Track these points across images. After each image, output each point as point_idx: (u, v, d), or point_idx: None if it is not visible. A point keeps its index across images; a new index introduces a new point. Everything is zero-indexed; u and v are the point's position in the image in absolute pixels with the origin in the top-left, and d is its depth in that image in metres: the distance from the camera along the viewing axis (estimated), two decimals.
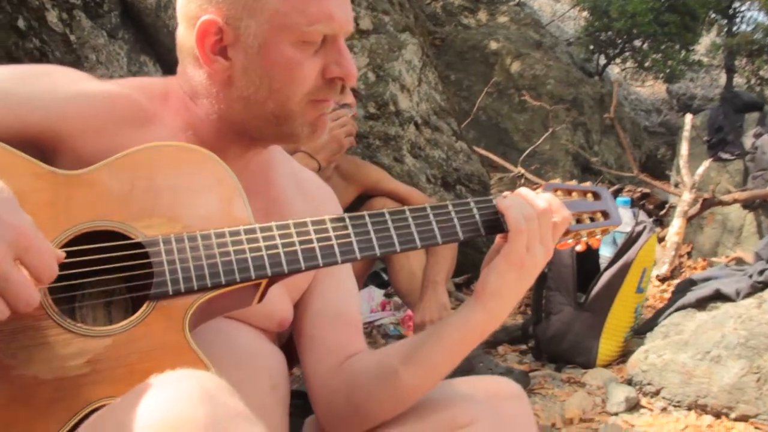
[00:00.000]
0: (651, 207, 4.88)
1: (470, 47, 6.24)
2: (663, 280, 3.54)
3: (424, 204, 1.01)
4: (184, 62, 1.02)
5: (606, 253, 2.42)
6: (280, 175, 1.16)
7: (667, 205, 4.55)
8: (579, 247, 1.14)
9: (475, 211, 1.02)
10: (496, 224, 1.01)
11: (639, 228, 2.35)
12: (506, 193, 1.06)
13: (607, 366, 2.39)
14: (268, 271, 0.90)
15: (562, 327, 2.38)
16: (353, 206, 2.41)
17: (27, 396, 0.79)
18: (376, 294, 2.98)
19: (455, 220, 1.01)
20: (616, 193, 5.07)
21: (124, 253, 0.87)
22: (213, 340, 1.02)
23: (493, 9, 9.02)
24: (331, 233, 0.94)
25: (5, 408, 0.78)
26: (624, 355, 2.38)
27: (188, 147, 0.94)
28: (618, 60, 9.52)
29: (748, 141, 4.35)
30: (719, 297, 2.23)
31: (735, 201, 3.90)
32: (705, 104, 9.61)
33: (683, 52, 9.07)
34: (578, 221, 1.10)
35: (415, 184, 3.45)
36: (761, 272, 2.20)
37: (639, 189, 4.90)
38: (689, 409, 2.02)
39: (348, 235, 0.95)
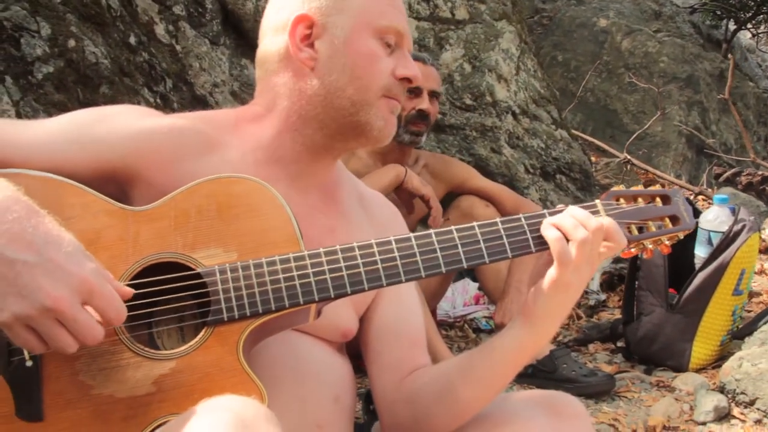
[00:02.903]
0: None
1: (578, 25, 6.04)
2: None
3: (472, 223, 1.03)
4: (267, 73, 1.14)
5: (701, 253, 2.32)
6: (345, 193, 1.22)
7: None
8: (644, 255, 1.12)
9: (525, 227, 1.03)
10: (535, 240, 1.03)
11: (737, 227, 2.23)
12: (560, 206, 1.07)
13: (701, 370, 2.30)
14: (315, 297, 0.97)
15: (653, 328, 2.31)
16: (442, 204, 2.43)
17: (106, 413, 0.91)
18: (471, 287, 3.00)
19: (504, 238, 1.03)
20: (733, 177, 4.79)
21: (186, 283, 0.96)
22: (277, 355, 1.09)
23: None
24: (377, 257, 1.00)
25: (89, 423, 0.90)
26: (721, 359, 2.28)
27: (242, 178, 1.02)
28: (749, 25, 8.85)
29: None
30: None
31: None
32: None
33: None
34: (642, 229, 1.08)
35: (513, 175, 3.43)
36: None
37: (759, 172, 4.61)
38: None
39: (394, 258, 1.00)
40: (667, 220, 1.09)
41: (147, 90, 2.51)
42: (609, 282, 3.25)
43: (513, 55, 3.61)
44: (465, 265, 1.00)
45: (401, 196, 2.19)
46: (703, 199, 4.25)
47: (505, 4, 3.81)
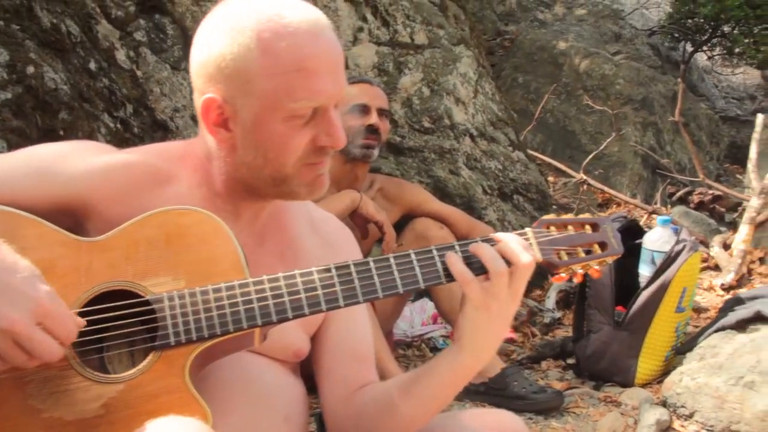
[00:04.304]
0: (723, 210, 4.73)
1: (538, 48, 6.20)
2: (728, 289, 3.44)
3: (408, 251, 1.08)
4: (201, 124, 1.14)
5: (645, 272, 2.41)
6: (294, 218, 1.26)
7: (740, 208, 4.39)
8: (575, 279, 1.18)
9: (437, 258, 1.07)
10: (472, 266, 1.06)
11: (678, 247, 2.33)
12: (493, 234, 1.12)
13: (646, 385, 2.39)
14: (258, 322, 1.03)
15: (601, 346, 2.40)
16: (397, 227, 2.50)
17: None
18: (429, 306, 3.06)
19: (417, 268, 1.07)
20: (686, 196, 4.95)
21: (136, 310, 1.01)
22: (229, 377, 1.14)
23: (570, 2, 8.87)
24: (318, 284, 1.05)
25: None
26: (666, 374, 2.37)
27: (190, 210, 1.07)
28: (705, 47, 9.14)
29: None
30: (760, 319, 2.20)
31: None
32: None
33: None
34: (572, 255, 1.14)
35: (471, 197, 3.51)
36: None
37: (711, 191, 4.76)
38: None
39: (333, 285, 1.05)
40: (596, 246, 1.15)
41: (107, 115, 2.54)
42: (565, 300, 3.33)
43: (471, 79, 3.71)
44: (401, 291, 1.06)
45: (356, 221, 2.26)
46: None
47: (463, 29, 3.92)
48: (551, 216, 1.19)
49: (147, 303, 1.01)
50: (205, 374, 1.08)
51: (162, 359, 1.00)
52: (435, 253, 1.08)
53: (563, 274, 1.16)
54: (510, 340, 2.85)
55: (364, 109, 2.41)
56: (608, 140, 4.65)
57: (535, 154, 4.50)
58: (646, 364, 2.37)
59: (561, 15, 8.60)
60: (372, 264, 1.07)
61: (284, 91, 1.03)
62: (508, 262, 1.04)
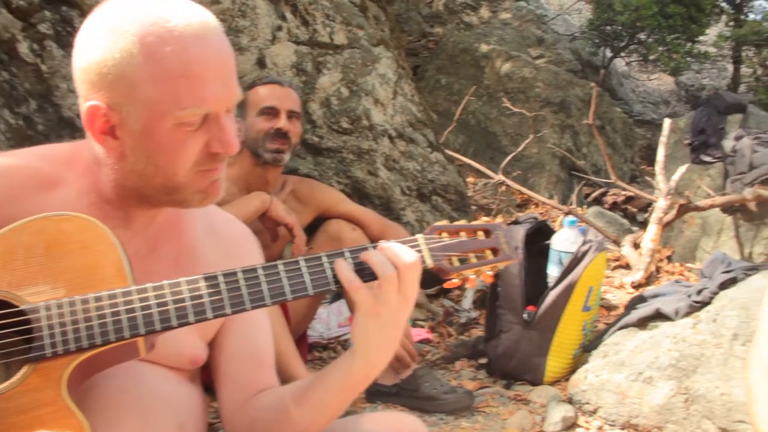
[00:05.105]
0: (635, 210, 4.92)
1: (461, 50, 6.28)
2: (638, 287, 3.57)
3: (297, 257, 1.06)
4: (87, 133, 1.09)
5: (553, 272, 2.47)
6: (191, 222, 1.23)
7: (650, 208, 4.56)
8: (468, 284, 1.17)
9: (326, 265, 1.05)
10: (363, 272, 1.05)
11: (584, 248, 2.40)
12: (382, 242, 1.11)
13: (555, 383, 2.45)
14: (141, 330, 0.99)
15: (511, 345, 2.45)
16: (310, 228, 2.48)
17: None
18: (345, 308, 3.04)
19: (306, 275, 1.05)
20: (601, 197, 5.12)
21: (11, 321, 0.96)
22: (121, 386, 1.10)
23: (495, 6, 9.05)
24: (204, 291, 1.02)
25: None
26: (574, 372, 2.43)
27: (72, 216, 1.02)
28: (623, 53, 9.53)
29: (729, 144, 4.34)
30: (660, 316, 2.29)
31: (712, 206, 3.91)
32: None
33: (688, 45, 9.06)
34: (464, 261, 1.14)
35: (389, 197, 3.52)
36: (699, 291, 2.25)
37: (624, 193, 4.94)
38: (623, 428, 2.09)
39: (219, 292, 1.02)
40: (489, 251, 1.16)
41: (8, 111, 2.43)
42: (482, 300, 3.38)
43: (390, 80, 3.72)
44: (290, 297, 1.05)
45: (266, 223, 2.22)
46: None
47: (383, 30, 3.92)
48: (443, 222, 1.19)
49: (23, 313, 0.96)
50: (90, 385, 1.04)
51: (37, 371, 0.95)
52: (325, 260, 1.06)
53: (455, 280, 1.15)
54: (426, 341, 2.87)
55: (273, 112, 2.38)
56: (526, 142, 4.75)
57: (454, 155, 4.55)
58: (554, 363, 2.43)
59: (486, 18, 8.76)
60: (260, 271, 1.04)
61: (171, 99, 0.98)
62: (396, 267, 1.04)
